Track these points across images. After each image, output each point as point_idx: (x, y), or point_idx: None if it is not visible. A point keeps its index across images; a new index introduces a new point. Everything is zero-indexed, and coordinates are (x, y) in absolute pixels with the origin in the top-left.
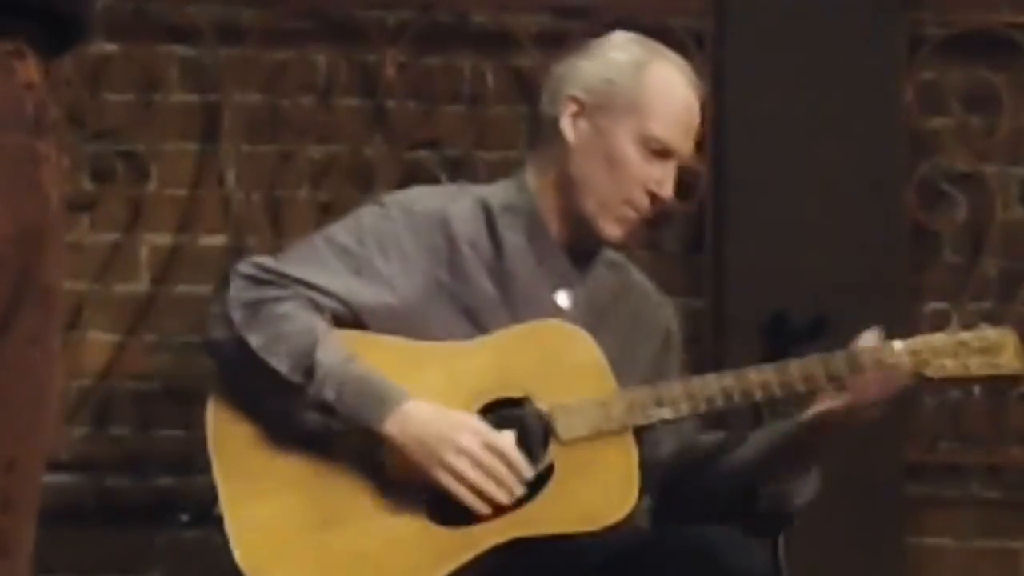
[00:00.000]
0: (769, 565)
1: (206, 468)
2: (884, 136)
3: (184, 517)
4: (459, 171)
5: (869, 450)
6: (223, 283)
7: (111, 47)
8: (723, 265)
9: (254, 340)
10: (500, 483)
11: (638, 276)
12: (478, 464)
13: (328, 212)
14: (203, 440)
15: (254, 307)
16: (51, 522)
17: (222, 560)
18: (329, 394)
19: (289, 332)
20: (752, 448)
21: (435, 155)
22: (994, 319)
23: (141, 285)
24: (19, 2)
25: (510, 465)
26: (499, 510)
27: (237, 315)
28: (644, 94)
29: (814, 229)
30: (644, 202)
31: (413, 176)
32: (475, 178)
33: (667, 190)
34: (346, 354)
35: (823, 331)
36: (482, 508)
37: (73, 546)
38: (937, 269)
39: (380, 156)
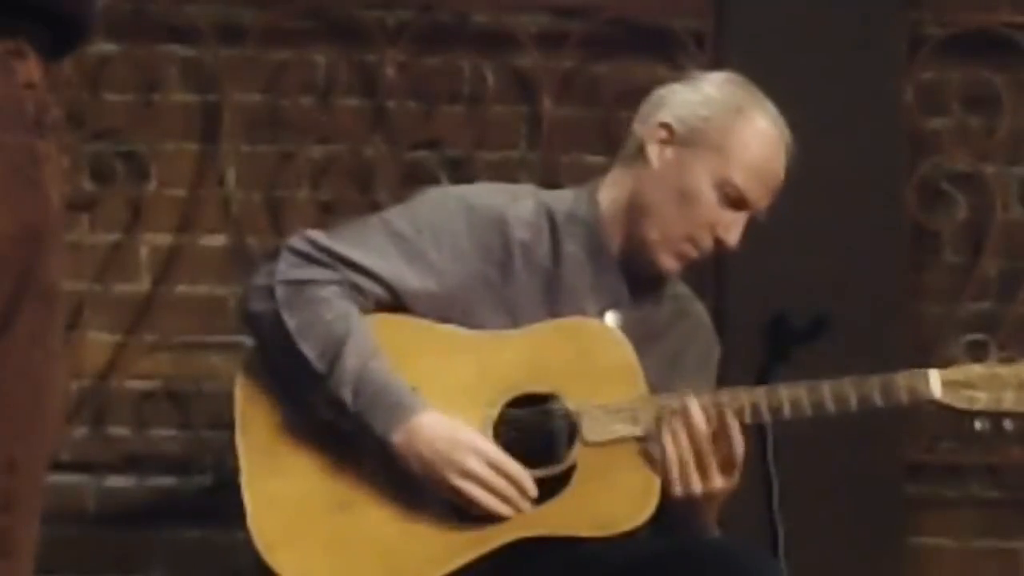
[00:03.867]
0: None
1: (206, 469)
2: (884, 136)
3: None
4: (459, 171)
5: (869, 450)
6: (273, 254)
7: (111, 47)
8: (723, 265)
9: (291, 321)
10: (507, 501)
11: (697, 313)
12: (485, 485)
13: (328, 212)
14: (203, 440)
15: (298, 286)
16: (51, 522)
17: (222, 560)
18: (346, 393)
19: (325, 318)
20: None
21: (435, 155)
22: (994, 319)
23: (141, 285)
24: (19, 2)
25: (516, 484)
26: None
27: (280, 291)
28: (734, 139)
29: (814, 229)
30: (707, 243)
31: (413, 176)
32: (475, 178)
33: (732, 238)
34: (372, 351)
35: (823, 331)
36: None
37: (73, 546)
38: (937, 269)
39: (380, 156)
